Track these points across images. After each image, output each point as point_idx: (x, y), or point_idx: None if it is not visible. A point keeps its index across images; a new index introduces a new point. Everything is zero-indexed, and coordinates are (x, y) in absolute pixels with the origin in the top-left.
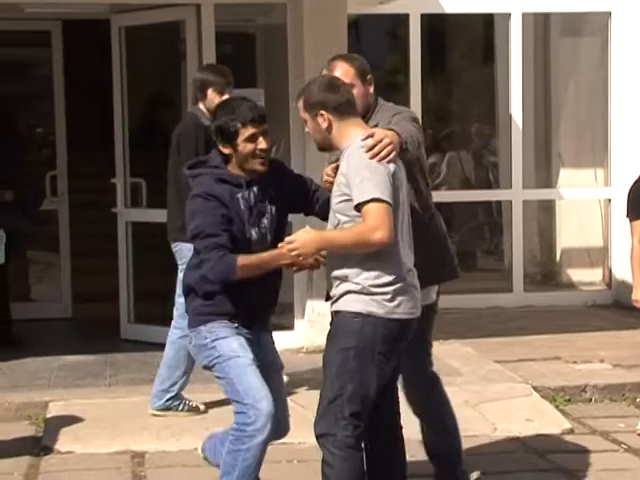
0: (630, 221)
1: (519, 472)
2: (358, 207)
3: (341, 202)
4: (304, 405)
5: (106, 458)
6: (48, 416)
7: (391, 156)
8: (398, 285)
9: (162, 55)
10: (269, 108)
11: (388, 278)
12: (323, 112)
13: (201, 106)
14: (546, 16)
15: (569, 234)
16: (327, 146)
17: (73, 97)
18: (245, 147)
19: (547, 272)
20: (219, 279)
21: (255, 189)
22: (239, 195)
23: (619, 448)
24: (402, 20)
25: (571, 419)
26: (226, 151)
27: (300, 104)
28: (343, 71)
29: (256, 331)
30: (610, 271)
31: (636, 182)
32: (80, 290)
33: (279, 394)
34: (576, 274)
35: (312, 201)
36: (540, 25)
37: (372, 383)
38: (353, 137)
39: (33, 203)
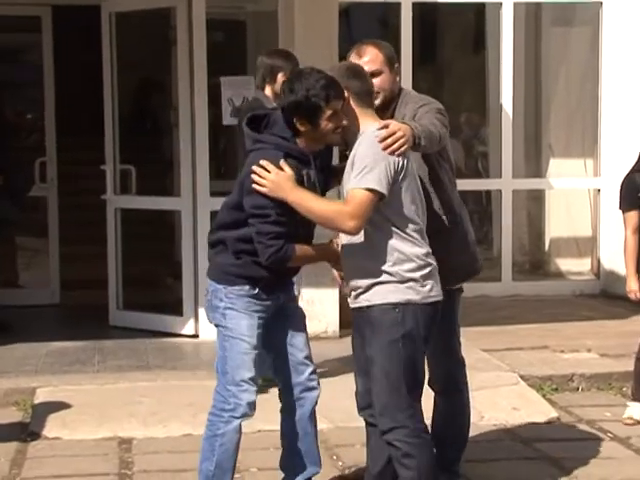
0: (623, 212)
1: (505, 460)
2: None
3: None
4: None
5: (93, 444)
6: (36, 402)
7: (402, 149)
8: (427, 269)
9: (153, 42)
10: None
11: (417, 262)
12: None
13: (267, 91)
14: (537, 5)
15: (558, 224)
16: None
17: (63, 83)
18: (327, 125)
19: (535, 261)
20: (272, 265)
21: (317, 163)
22: (304, 172)
23: (605, 437)
24: (394, 8)
25: (558, 408)
26: (303, 128)
27: None
28: (372, 57)
29: (278, 293)
30: (598, 261)
31: (629, 174)
32: (68, 277)
33: (304, 344)
34: (564, 264)
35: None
36: (531, 15)
37: (421, 367)
38: (365, 127)
39: (22, 189)
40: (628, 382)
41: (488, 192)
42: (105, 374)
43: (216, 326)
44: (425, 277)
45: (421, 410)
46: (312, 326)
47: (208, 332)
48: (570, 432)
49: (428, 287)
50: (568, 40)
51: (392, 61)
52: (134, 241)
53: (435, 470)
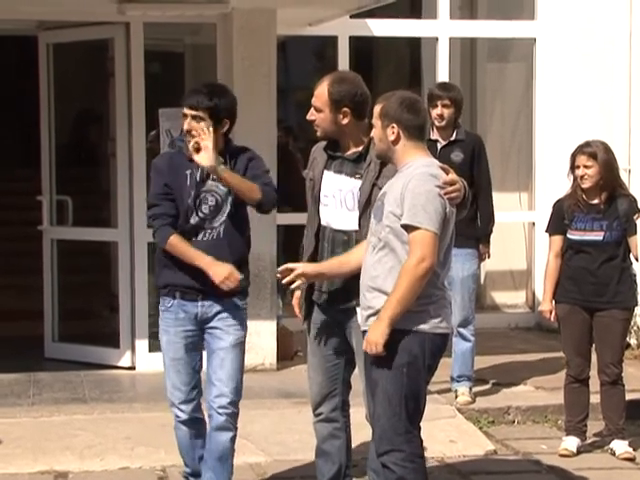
0: (549, 236)
1: None
2: (407, 227)
3: (393, 216)
4: None
5: (28, 478)
6: None
7: (455, 202)
8: (440, 302)
9: (90, 72)
10: None
11: (431, 298)
12: (395, 126)
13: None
14: (473, 41)
15: (493, 257)
16: (386, 157)
17: None
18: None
19: None
20: (159, 246)
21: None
22: (188, 172)
23: (541, 469)
24: (331, 42)
25: (494, 440)
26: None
27: (377, 109)
28: (318, 93)
29: (194, 306)
30: (533, 294)
31: (560, 199)
32: (3, 308)
33: (219, 370)
34: (500, 297)
35: None
36: (467, 50)
37: (423, 395)
38: (415, 159)
39: None
40: (563, 414)
41: None
42: (40, 407)
43: None
44: (438, 308)
45: (419, 435)
46: (249, 358)
47: (145, 364)
48: (507, 465)
49: (439, 319)
50: (503, 75)
51: (338, 103)
52: (70, 272)
53: None
